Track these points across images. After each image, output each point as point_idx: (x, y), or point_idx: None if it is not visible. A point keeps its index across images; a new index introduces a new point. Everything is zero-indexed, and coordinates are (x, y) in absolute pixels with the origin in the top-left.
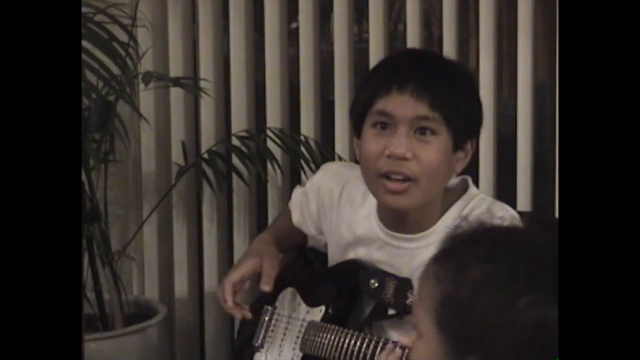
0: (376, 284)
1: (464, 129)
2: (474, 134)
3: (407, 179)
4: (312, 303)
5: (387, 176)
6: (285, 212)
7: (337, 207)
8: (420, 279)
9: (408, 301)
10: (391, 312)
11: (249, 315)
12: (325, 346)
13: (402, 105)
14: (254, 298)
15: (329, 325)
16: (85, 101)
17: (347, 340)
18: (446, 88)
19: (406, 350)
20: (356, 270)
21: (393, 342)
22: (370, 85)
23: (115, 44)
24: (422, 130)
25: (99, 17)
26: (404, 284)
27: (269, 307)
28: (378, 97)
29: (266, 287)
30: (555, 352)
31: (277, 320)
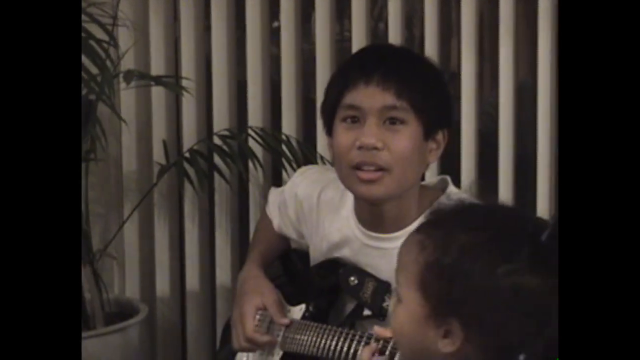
0: (356, 282)
1: (433, 118)
2: (445, 124)
3: (379, 168)
4: (293, 302)
5: (359, 167)
6: (265, 222)
7: (316, 212)
8: (402, 248)
9: (385, 304)
10: (367, 312)
11: (264, 340)
12: (304, 343)
13: (369, 96)
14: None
15: (309, 322)
16: None
17: (326, 337)
18: (412, 77)
19: (381, 342)
20: (337, 268)
21: (369, 334)
22: (337, 82)
23: (94, 44)
24: (391, 120)
25: None
26: (383, 286)
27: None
28: (346, 91)
29: (284, 321)
30: (530, 318)
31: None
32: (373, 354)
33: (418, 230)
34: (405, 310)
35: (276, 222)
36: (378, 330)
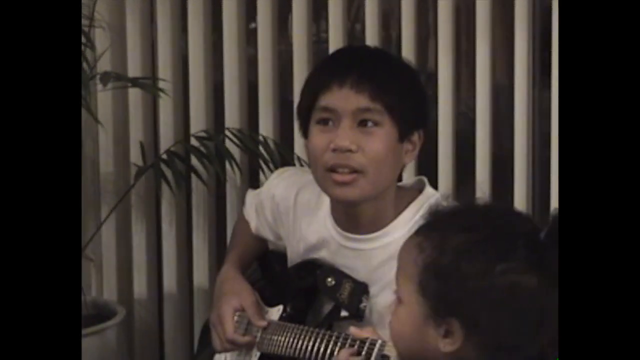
0: (333, 282)
1: (408, 119)
2: (420, 125)
3: (354, 171)
4: (271, 303)
5: (333, 169)
6: (243, 224)
7: (293, 213)
8: (402, 250)
9: (361, 305)
10: (344, 313)
11: (242, 340)
12: (282, 344)
13: (343, 98)
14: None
15: (286, 324)
16: None
17: (303, 338)
18: (386, 79)
19: (357, 343)
20: (314, 269)
21: (346, 334)
22: (312, 84)
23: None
24: (365, 122)
25: None
26: (360, 287)
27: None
28: (320, 94)
29: (262, 323)
30: (528, 317)
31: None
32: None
33: (417, 232)
34: (406, 310)
35: (253, 224)
36: (354, 331)
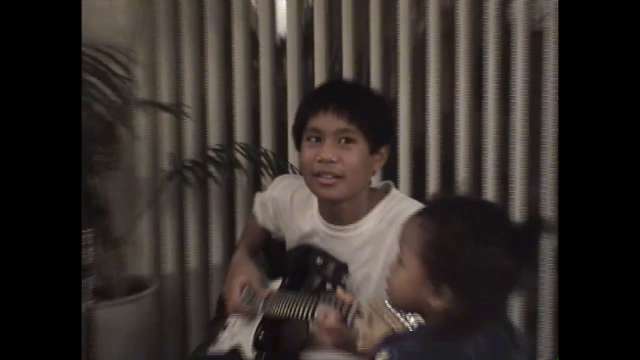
0: (321, 262)
1: (377, 137)
2: (387, 140)
3: (335, 176)
4: (272, 277)
5: (319, 175)
6: (252, 219)
7: (290, 210)
8: (407, 227)
9: (342, 280)
10: (329, 286)
11: (247, 308)
12: (280, 307)
13: (327, 122)
14: None
15: (284, 292)
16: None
17: (296, 301)
18: (360, 106)
19: (340, 304)
20: (307, 252)
21: (329, 296)
22: (303, 110)
23: (115, 79)
24: (344, 140)
25: (102, 57)
26: (342, 267)
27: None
28: (309, 117)
29: (263, 293)
30: (501, 290)
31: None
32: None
33: (420, 214)
34: (406, 272)
35: (260, 218)
36: (339, 292)
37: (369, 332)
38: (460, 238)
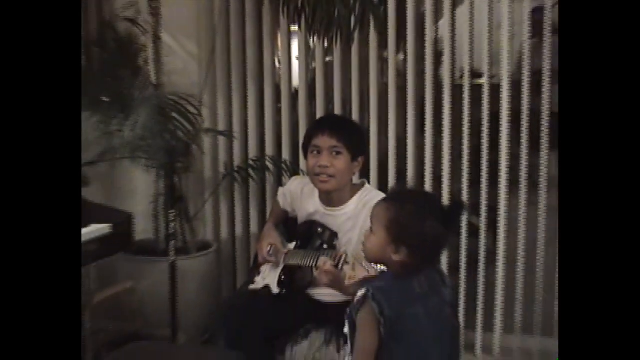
0: (320, 231)
1: (356, 151)
2: (362, 153)
3: (329, 176)
4: (290, 241)
5: (318, 175)
6: (276, 204)
7: (300, 198)
8: (377, 208)
9: (334, 242)
10: (325, 247)
11: (273, 260)
12: (297, 257)
13: (324, 141)
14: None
15: (297, 250)
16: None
17: (306, 256)
18: (345, 131)
19: (333, 255)
20: (312, 224)
21: (329, 252)
22: (309, 133)
23: (190, 115)
24: (335, 152)
25: (181, 101)
26: (333, 234)
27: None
28: (312, 138)
29: (284, 251)
30: (437, 248)
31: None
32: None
33: (384, 200)
34: (376, 238)
35: (281, 203)
36: (333, 253)
37: (352, 274)
38: (411, 215)
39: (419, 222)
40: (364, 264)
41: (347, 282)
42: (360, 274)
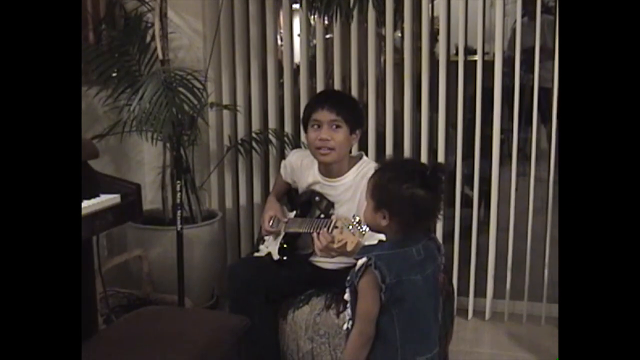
0: (318, 199)
1: (354, 125)
2: (359, 127)
3: (329, 148)
4: (290, 210)
5: (319, 148)
6: (279, 176)
7: (300, 169)
8: (368, 181)
9: (330, 212)
10: (322, 215)
11: (274, 230)
12: (295, 225)
13: (324, 115)
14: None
15: (297, 218)
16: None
17: (305, 223)
18: (344, 105)
19: (328, 222)
20: (311, 194)
21: (325, 220)
22: (308, 108)
23: (195, 89)
24: (334, 125)
25: (188, 76)
26: (330, 203)
27: (271, 218)
28: (312, 112)
29: (284, 220)
30: (419, 209)
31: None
32: (326, 230)
33: (374, 173)
34: (367, 206)
35: (283, 175)
36: (328, 221)
37: (340, 237)
38: (389, 180)
39: (396, 186)
40: (351, 227)
41: (335, 246)
42: (348, 237)
